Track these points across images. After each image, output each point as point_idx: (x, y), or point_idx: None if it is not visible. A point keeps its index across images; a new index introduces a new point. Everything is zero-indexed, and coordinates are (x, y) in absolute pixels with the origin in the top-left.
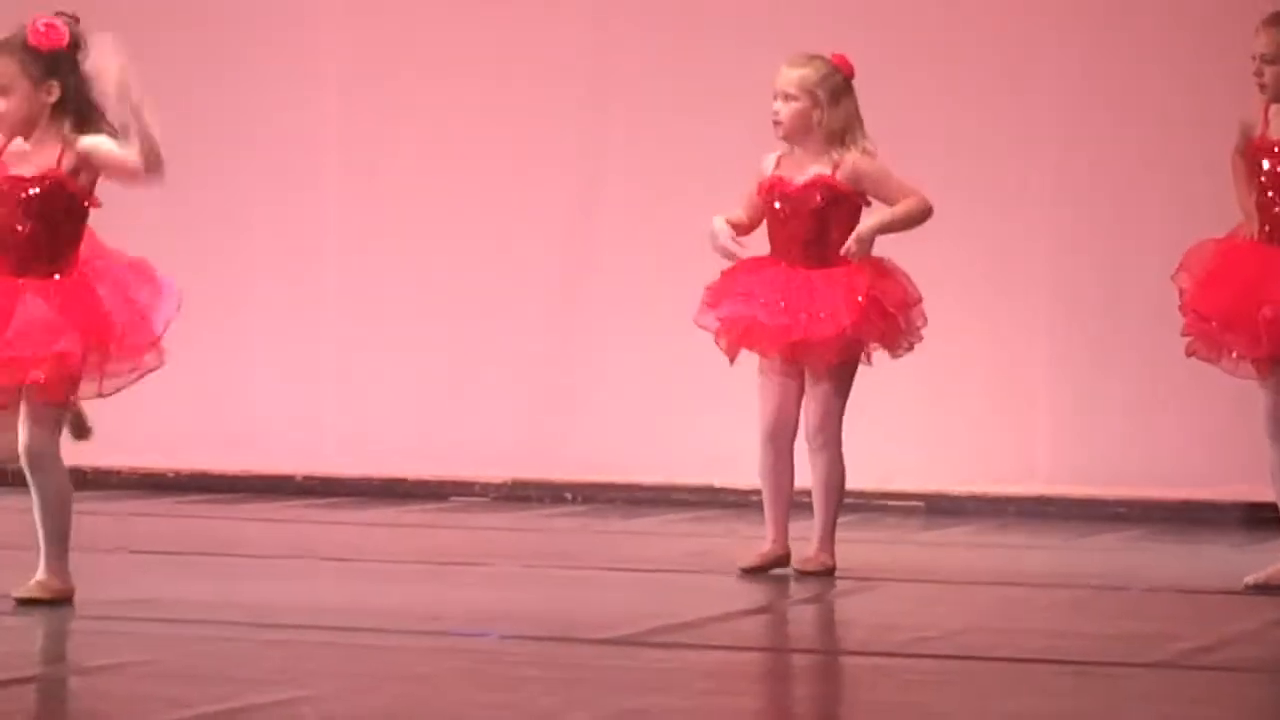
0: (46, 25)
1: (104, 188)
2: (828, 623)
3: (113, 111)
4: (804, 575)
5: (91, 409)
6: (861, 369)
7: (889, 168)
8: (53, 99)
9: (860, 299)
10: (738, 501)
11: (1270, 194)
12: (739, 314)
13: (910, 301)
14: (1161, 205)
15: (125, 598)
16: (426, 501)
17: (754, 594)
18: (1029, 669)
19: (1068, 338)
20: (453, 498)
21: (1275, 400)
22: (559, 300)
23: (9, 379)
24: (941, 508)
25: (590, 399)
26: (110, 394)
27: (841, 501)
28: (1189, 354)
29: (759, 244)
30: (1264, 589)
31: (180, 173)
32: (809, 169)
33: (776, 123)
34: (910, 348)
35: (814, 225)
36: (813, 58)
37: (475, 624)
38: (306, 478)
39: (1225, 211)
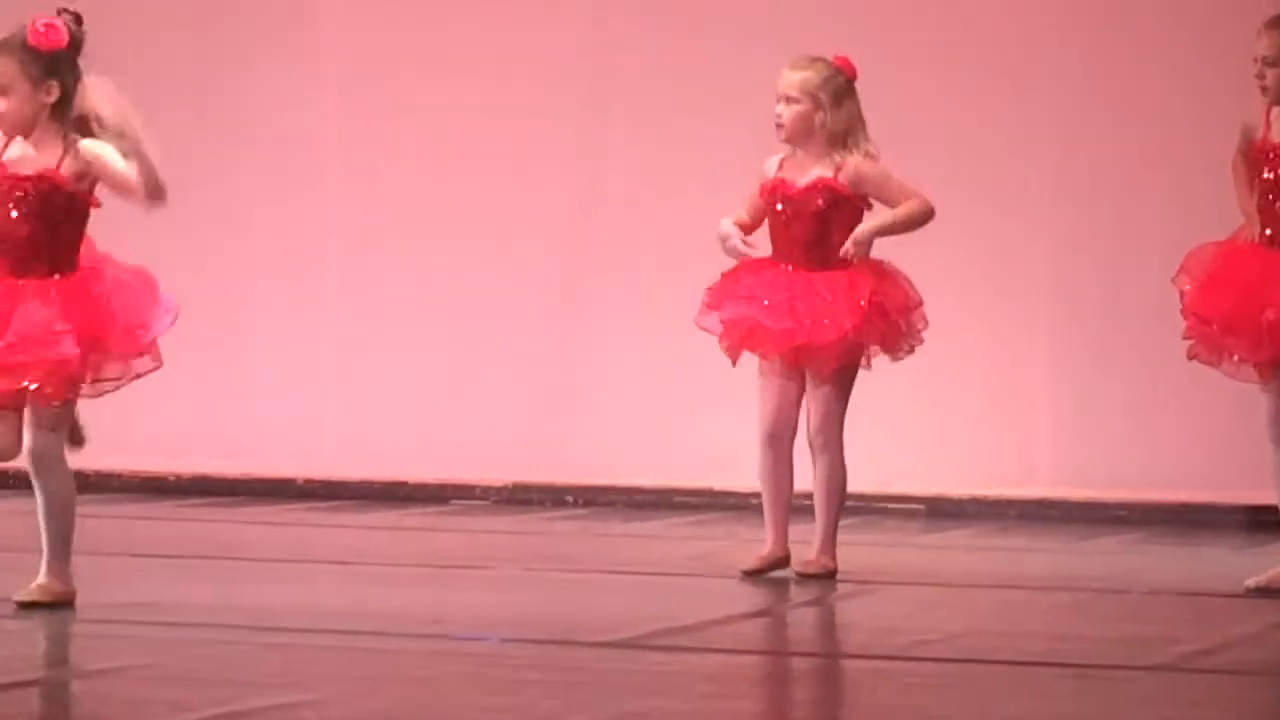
0: (46, 25)
1: (104, 188)
2: (828, 626)
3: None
4: (804, 578)
5: (92, 411)
6: (862, 371)
7: (891, 170)
8: (52, 99)
9: (863, 303)
10: (738, 504)
11: (1271, 197)
12: (741, 316)
13: (911, 305)
14: (1161, 205)
15: (126, 601)
16: (427, 504)
17: (754, 597)
18: (1030, 672)
19: (1068, 338)
20: (453, 501)
21: (1277, 404)
22: (559, 301)
23: (9, 383)
24: (942, 510)
25: (590, 401)
26: (102, 395)
27: (843, 504)
28: (1190, 357)
29: (762, 245)
30: (1265, 592)
31: (180, 173)
32: (811, 171)
33: (779, 126)
34: (910, 351)
35: (815, 227)
36: (815, 60)
37: (476, 627)
38: (307, 481)
39: (1225, 212)
